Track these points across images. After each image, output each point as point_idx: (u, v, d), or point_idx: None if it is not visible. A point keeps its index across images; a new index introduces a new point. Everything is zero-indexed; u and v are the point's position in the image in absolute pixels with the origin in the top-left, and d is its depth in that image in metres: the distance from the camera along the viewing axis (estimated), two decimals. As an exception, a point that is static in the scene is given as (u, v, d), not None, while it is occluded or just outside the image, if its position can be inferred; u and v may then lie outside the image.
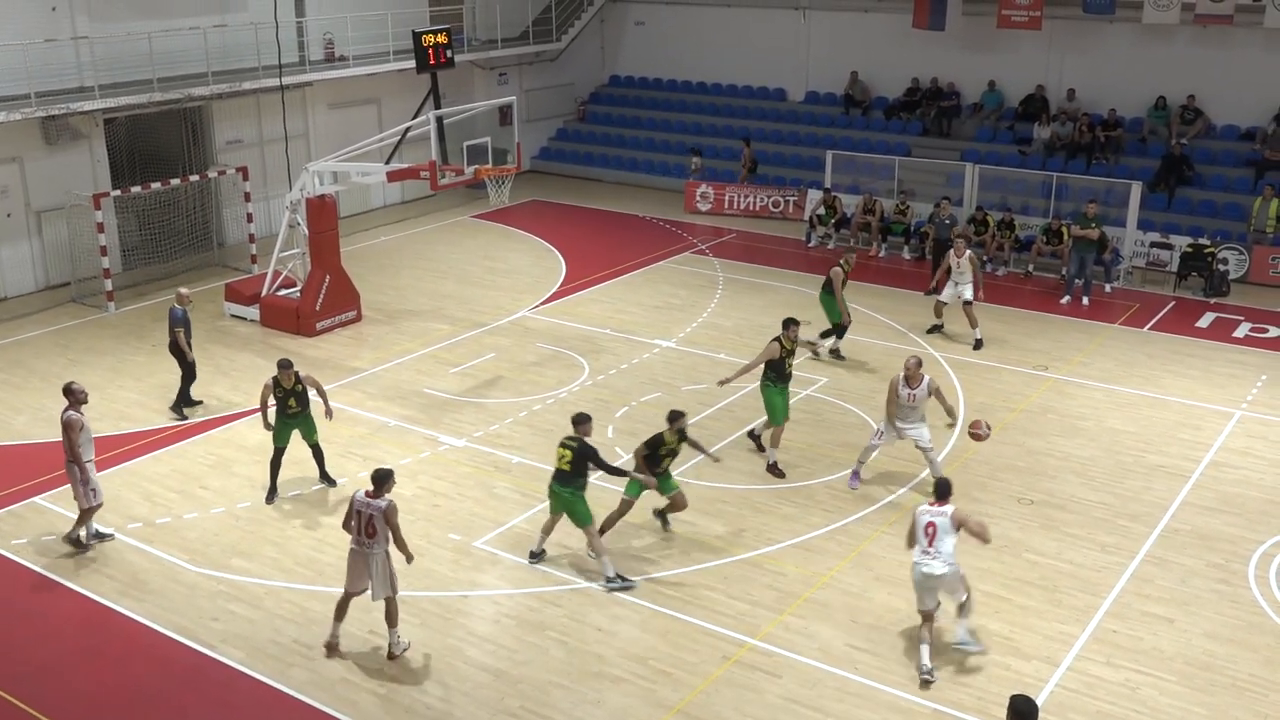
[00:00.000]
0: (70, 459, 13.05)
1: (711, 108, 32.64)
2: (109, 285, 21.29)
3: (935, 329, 20.10)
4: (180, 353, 16.80)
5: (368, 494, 11.16)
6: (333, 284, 20.30)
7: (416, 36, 19.77)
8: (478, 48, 30.19)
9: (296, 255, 21.03)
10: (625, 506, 13.20)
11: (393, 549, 11.24)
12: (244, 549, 13.31)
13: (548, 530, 13.05)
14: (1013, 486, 14.74)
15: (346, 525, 11.34)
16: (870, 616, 11.99)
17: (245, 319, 20.76)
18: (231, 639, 11.67)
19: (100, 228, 21.02)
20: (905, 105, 29.57)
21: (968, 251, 19.60)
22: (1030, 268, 23.44)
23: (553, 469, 12.74)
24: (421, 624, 11.87)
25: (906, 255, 24.90)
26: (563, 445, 12.60)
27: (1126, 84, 26.84)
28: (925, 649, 11.09)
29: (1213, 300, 22.05)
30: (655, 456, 13.08)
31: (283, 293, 20.69)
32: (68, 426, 12.93)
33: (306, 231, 20.34)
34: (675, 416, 13.13)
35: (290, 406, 14.23)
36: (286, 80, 23.60)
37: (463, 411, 16.98)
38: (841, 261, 19.16)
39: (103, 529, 13.53)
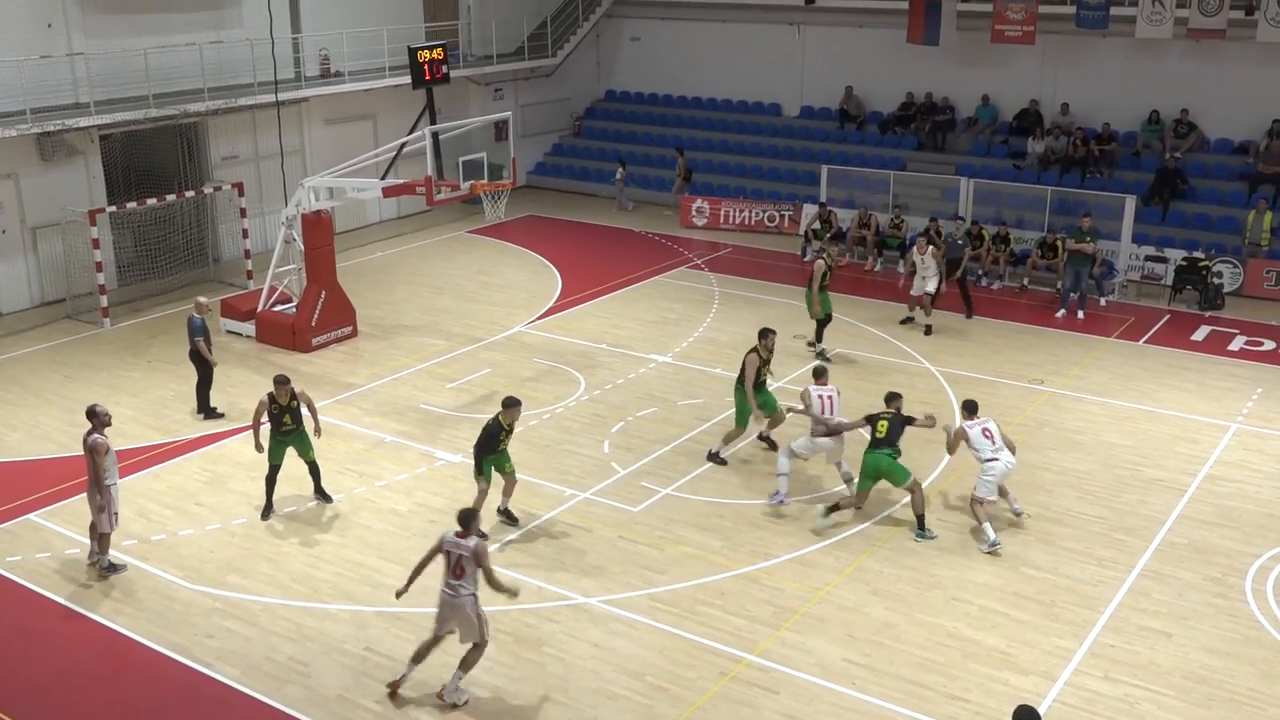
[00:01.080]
0: (93, 483, 12.77)
1: (707, 122, 32.72)
2: (104, 301, 21.27)
3: (928, 330, 20.89)
4: (201, 359, 17.01)
5: (456, 534, 10.67)
6: (328, 300, 20.29)
7: (412, 52, 19.79)
8: (473, 63, 30.26)
9: (292, 271, 21.03)
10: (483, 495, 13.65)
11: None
12: (239, 566, 13.27)
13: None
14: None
15: (423, 566, 10.88)
16: (867, 631, 11.96)
17: (241, 335, 20.74)
18: (227, 656, 11.62)
19: (95, 244, 21.01)
20: (900, 120, 29.66)
21: (930, 248, 20.89)
22: (1025, 281, 23.49)
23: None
24: (417, 640, 11.77)
25: (902, 269, 24.88)
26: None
27: (1120, 98, 26.95)
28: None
29: (1208, 314, 22.09)
30: (494, 442, 13.62)
31: (278, 308, 20.68)
32: (93, 450, 12.64)
33: (302, 247, 20.34)
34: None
35: (285, 424, 14.19)
36: (282, 96, 23.66)
37: (459, 427, 16.95)
38: (825, 255, 19.93)
39: (117, 561, 13.27)
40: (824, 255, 19.94)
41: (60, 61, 22.01)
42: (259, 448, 14.29)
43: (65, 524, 14.17)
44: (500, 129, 23.68)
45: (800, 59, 31.55)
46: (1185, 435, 16.69)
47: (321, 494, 14.81)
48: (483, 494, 13.65)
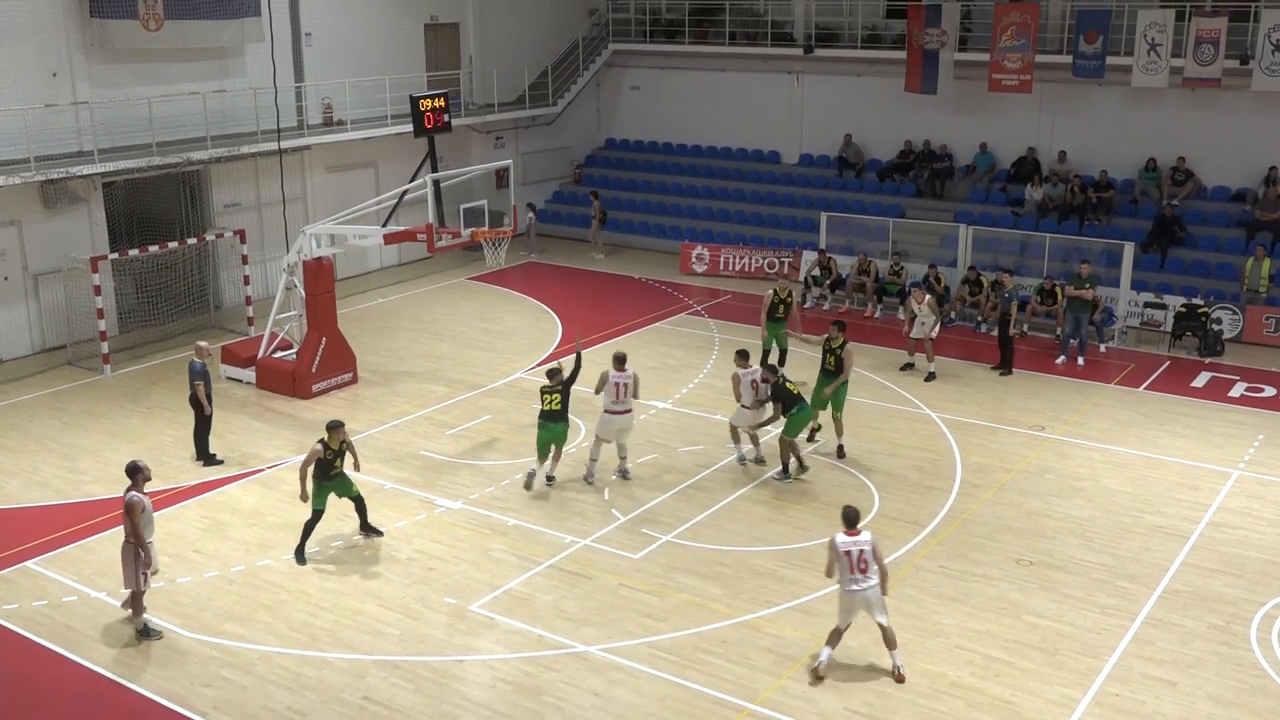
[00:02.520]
0: (130, 540, 12.49)
1: (707, 170, 32.94)
2: (105, 348, 21.29)
3: (931, 377, 20.86)
4: (199, 405, 16.92)
5: (847, 533, 11.62)
6: (329, 346, 20.31)
7: (414, 101, 19.96)
8: (475, 112, 30.52)
9: (293, 317, 21.07)
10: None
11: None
12: (238, 614, 13.17)
13: None
14: (1011, 547, 14.65)
15: (831, 571, 11.73)
16: (869, 680, 11.85)
17: (241, 381, 20.74)
18: (224, 705, 11.51)
19: (97, 290, 21.06)
20: (898, 167, 29.86)
21: (927, 297, 21.00)
22: (1025, 328, 23.52)
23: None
24: (416, 690, 11.72)
25: (901, 316, 24.96)
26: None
27: (1117, 146, 27.16)
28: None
29: (1208, 360, 22.10)
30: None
31: (279, 355, 20.70)
32: (130, 509, 12.37)
33: (303, 294, 20.39)
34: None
35: (335, 468, 14.24)
36: (285, 144, 23.82)
37: (459, 474, 16.91)
38: (775, 287, 20.42)
39: (152, 624, 12.91)
40: (774, 287, 20.40)
41: (65, 110, 22.19)
42: (305, 497, 14.21)
43: (62, 571, 14.10)
44: (501, 176, 23.85)
45: (799, 107, 31.82)
46: (1187, 482, 16.65)
47: (368, 528, 14.87)
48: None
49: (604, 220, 31.09)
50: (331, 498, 14.43)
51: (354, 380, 20.76)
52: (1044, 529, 15.17)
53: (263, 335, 20.96)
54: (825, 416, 17.72)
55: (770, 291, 20.39)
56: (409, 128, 22.88)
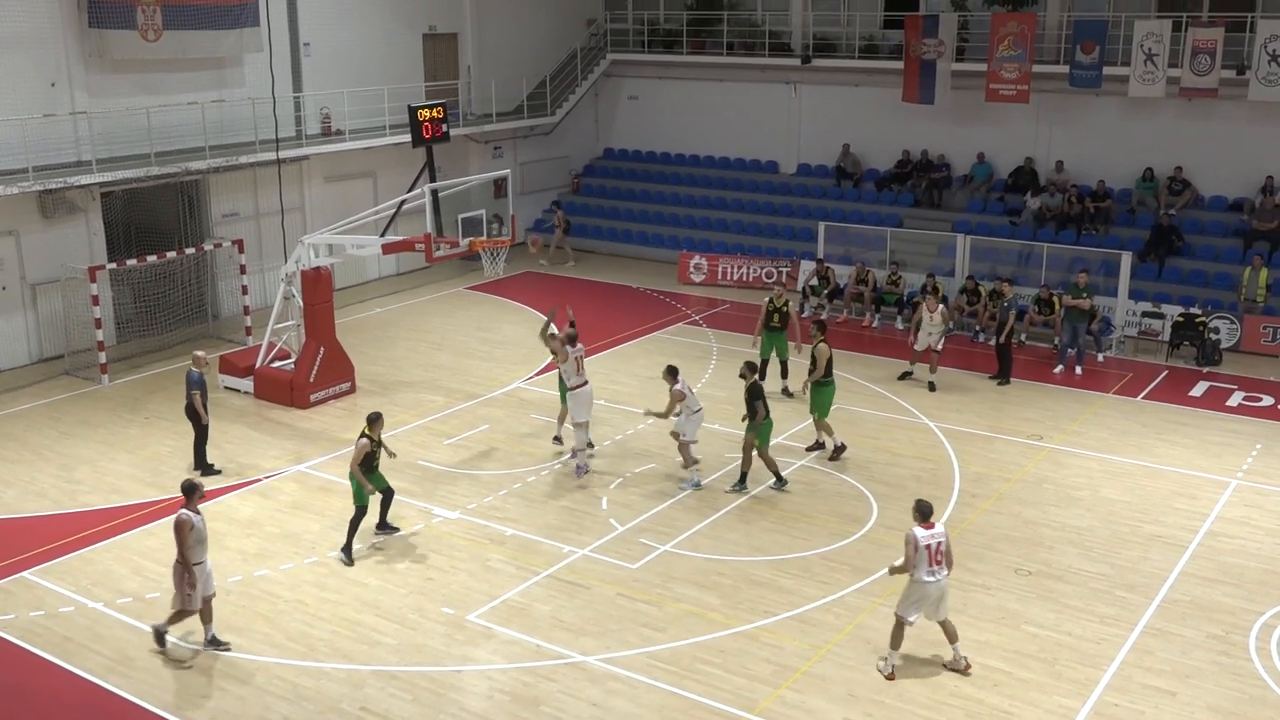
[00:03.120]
0: (178, 559, 12.33)
1: (704, 180, 32.99)
2: (103, 358, 21.27)
3: (932, 388, 20.75)
4: (196, 415, 16.86)
5: (924, 526, 11.76)
6: (327, 356, 20.30)
7: (412, 111, 19.97)
8: (473, 122, 30.56)
9: (291, 327, 21.06)
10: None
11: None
12: (235, 624, 13.14)
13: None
14: (1009, 557, 14.65)
15: (908, 566, 11.82)
16: (869, 690, 11.84)
17: (239, 391, 20.73)
18: (221, 716, 11.48)
19: (95, 300, 21.05)
20: (896, 177, 29.91)
21: (940, 307, 20.84)
22: (1023, 337, 23.52)
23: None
24: (414, 700, 11.70)
25: (899, 325, 25.00)
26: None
27: (1114, 156, 27.21)
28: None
29: (1205, 369, 22.11)
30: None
31: (277, 364, 20.69)
32: (179, 527, 12.18)
33: (301, 303, 20.39)
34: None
35: (376, 460, 14.60)
36: (283, 154, 23.84)
37: (457, 483, 16.90)
38: (771, 296, 20.38)
39: (220, 637, 12.71)
40: (770, 295, 20.40)
41: (63, 120, 22.21)
42: (372, 491, 14.54)
43: (59, 582, 14.07)
44: (499, 186, 23.84)
45: (797, 117, 31.88)
46: (1185, 491, 16.65)
47: (386, 525, 15.15)
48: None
49: (567, 229, 31.13)
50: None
51: (352, 390, 20.75)
52: (1042, 538, 15.16)
53: (261, 345, 20.95)
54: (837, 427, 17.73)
55: (766, 300, 20.40)
56: (407, 138, 22.90)
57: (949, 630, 12.13)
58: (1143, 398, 20.69)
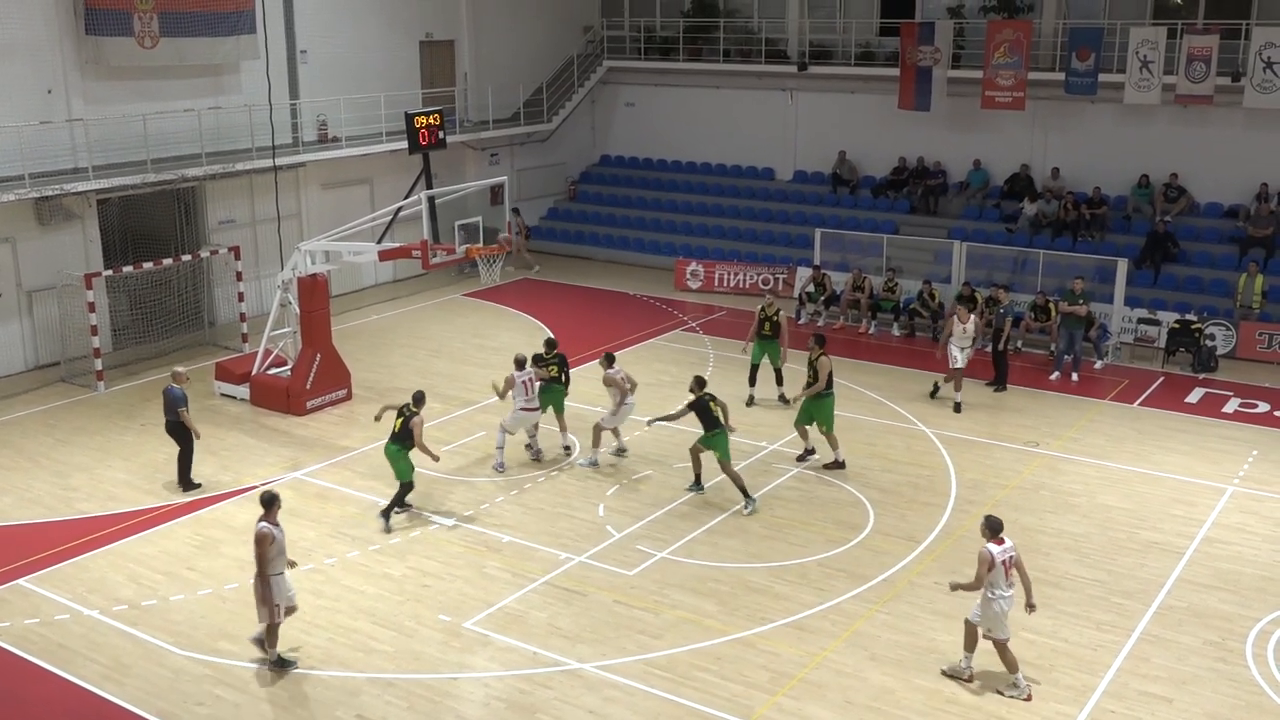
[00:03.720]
0: (257, 574, 12.13)
1: (701, 187, 33.02)
2: (99, 365, 21.25)
3: (958, 409, 20.10)
4: (184, 430, 16.60)
5: (995, 542, 11.76)
6: (324, 363, 20.29)
7: (409, 118, 20.04)
8: (469, 128, 30.59)
9: (288, 334, 21.05)
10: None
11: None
12: (231, 631, 13.11)
13: None
14: (1007, 564, 14.63)
15: (981, 583, 11.76)
16: (865, 697, 11.83)
17: (235, 398, 20.71)
18: (216, 724, 11.47)
19: (91, 307, 21.03)
20: (892, 184, 29.95)
21: (972, 316, 20.16)
22: (1019, 344, 23.54)
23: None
24: (409, 707, 11.68)
25: (896, 332, 25.03)
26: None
27: (1110, 162, 27.26)
28: None
29: (1201, 376, 22.13)
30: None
31: (273, 371, 20.67)
32: (260, 540, 11.96)
33: (298, 310, 20.38)
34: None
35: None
36: (280, 161, 23.83)
37: (453, 490, 16.89)
38: (763, 304, 20.38)
39: (286, 656, 12.51)
40: (762, 304, 20.40)
41: (60, 127, 22.20)
42: (437, 457, 15.58)
43: (55, 589, 14.04)
44: (496, 193, 23.85)
45: (793, 124, 31.92)
46: (1182, 498, 16.66)
47: (390, 513, 15.73)
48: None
49: (528, 236, 31.28)
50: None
51: (348, 397, 20.73)
52: (1039, 545, 15.15)
53: (257, 352, 20.93)
54: (819, 436, 17.72)
55: (759, 308, 20.42)
56: (404, 144, 22.96)
57: (973, 638, 12.06)
58: (1139, 404, 20.70)
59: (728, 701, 11.75)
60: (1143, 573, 14.44)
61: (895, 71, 28.55)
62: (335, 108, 26.94)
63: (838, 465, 17.51)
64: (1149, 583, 14.18)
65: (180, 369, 17.10)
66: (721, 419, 16.14)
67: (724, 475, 16.23)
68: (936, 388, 20.76)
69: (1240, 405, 20.57)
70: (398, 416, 15.52)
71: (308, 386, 20.05)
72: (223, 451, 18.32)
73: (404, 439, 15.37)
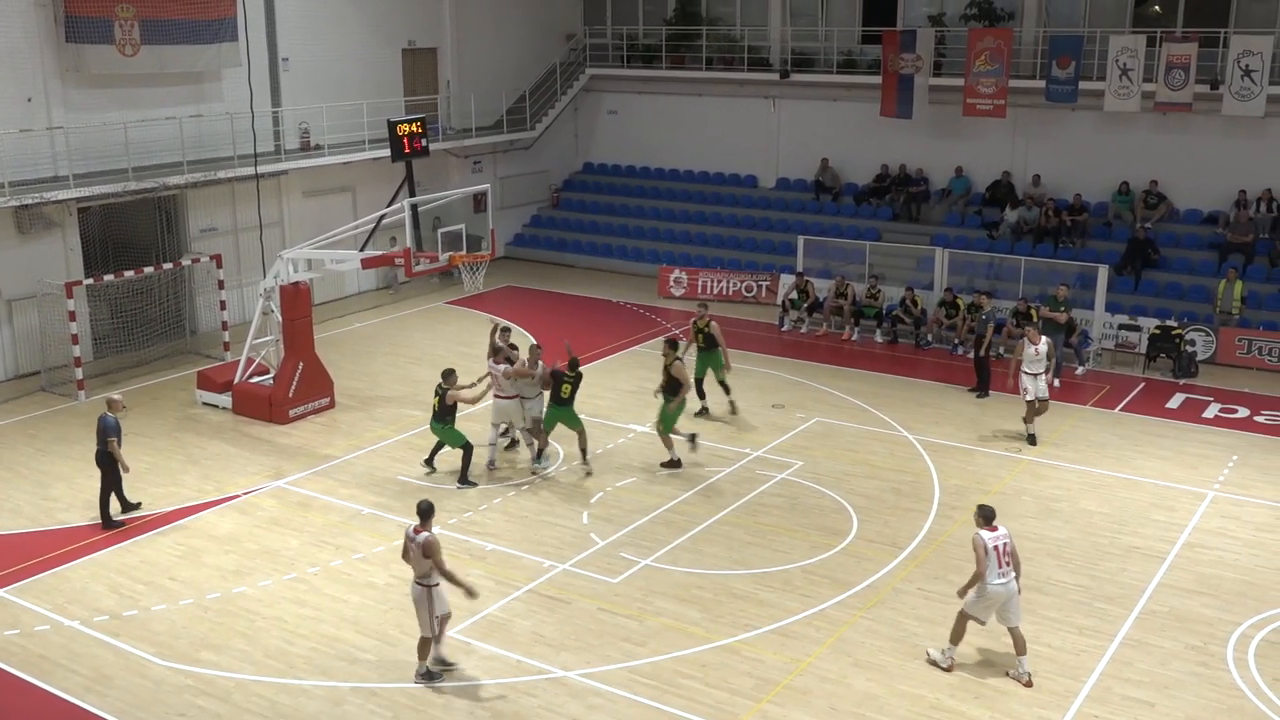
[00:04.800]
0: (424, 581, 11.99)
1: (684, 194, 33.08)
2: (80, 374, 21.13)
3: (1032, 441, 18.87)
4: (111, 462, 15.71)
5: (988, 529, 12.01)
6: (306, 371, 20.23)
7: (391, 125, 20.03)
8: (452, 136, 30.58)
9: (270, 342, 20.99)
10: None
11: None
12: (213, 641, 13.06)
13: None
14: (990, 569, 14.68)
15: (982, 571, 11.91)
16: (849, 704, 11.85)
17: (217, 407, 20.63)
18: (198, 735, 11.41)
19: (72, 316, 20.91)
20: (875, 191, 30.06)
21: (1043, 339, 18.91)
22: (1001, 350, 23.60)
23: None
24: (394, 717, 11.65)
25: (878, 338, 25.11)
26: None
27: (1090, 170, 27.43)
28: None
29: (1182, 381, 22.27)
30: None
31: (256, 380, 20.60)
32: (434, 548, 11.84)
33: (280, 318, 20.32)
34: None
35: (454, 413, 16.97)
36: (262, 169, 23.76)
37: (436, 499, 16.75)
38: (696, 318, 20.22)
39: (434, 668, 12.29)
40: (695, 319, 20.26)
41: (40, 135, 22.11)
42: (474, 400, 17.18)
43: (35, 600, 13.96)
44: (479, 201, 23.84)
45: (776, 132, 32.01)
46: (1163, 503, 16.75)
47: (465, 480, 17.17)
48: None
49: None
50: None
51: (331, 405, 20.68)
52: (1021, 550, 15.07)
53: (239, 360, 20.86)
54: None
55: (691, 323, 20.09)
56: (387, 152, 22.97)
57: (1017, 640, 12.23)
58: (1120, 410, 20.81)
59: (712, 709, 11.75)
60: (1124, 577, 14.51)
61: (877, 79, 28.68)
62: (317, 115, 26.90)
63: (674, 464, 17.81)
64: (1131, 587, 14.26)
65: (116, 396, 16.45)
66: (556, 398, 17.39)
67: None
68: (1033, 438, 18.98)
69: (1220, 410, 20.70)
70: (434, 397, 16.85)
71: (290, 395, 19.98)
72: (205, 460, 18.25)
73: (444, 415, 16.77)
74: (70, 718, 11.73)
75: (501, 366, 17.40)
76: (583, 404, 20.13)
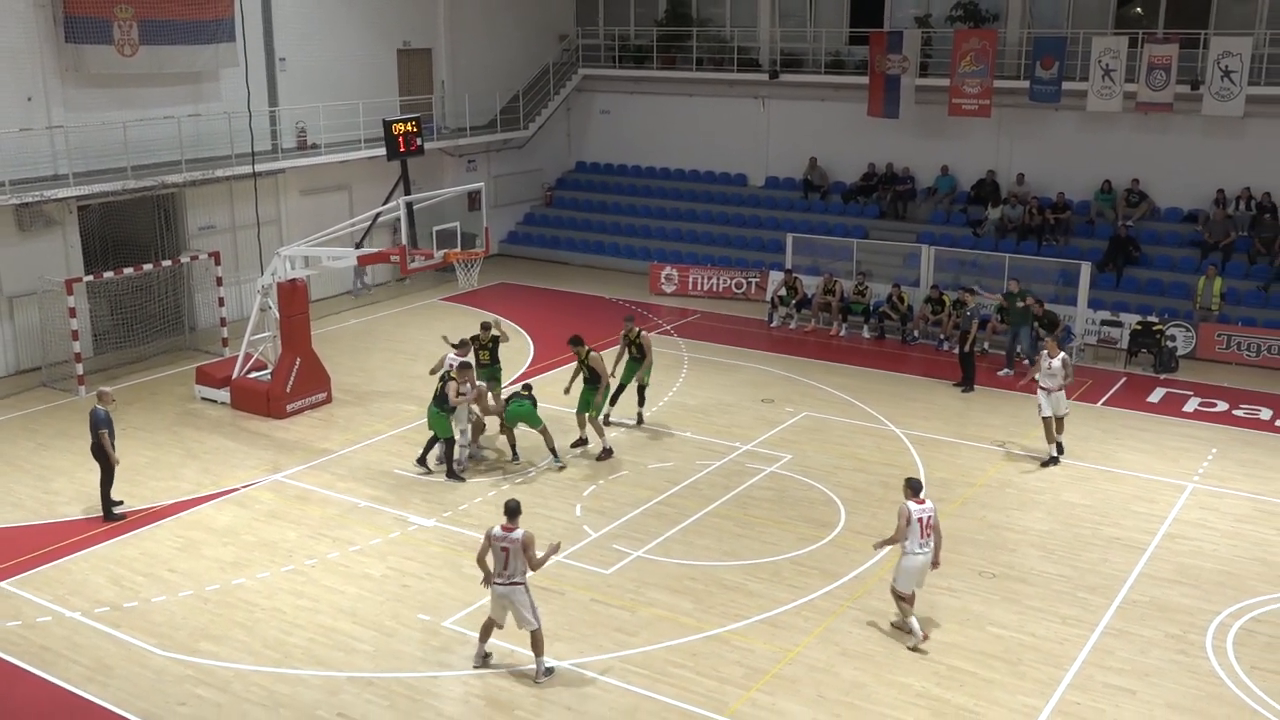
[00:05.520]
0: (521, 578, 12.05)
1: (675, 193, 33.33)
2: (80, 369, 21.34)
3: (1054, 460, 18.20)
4: (104, 455, 15.92)
5: (916, 501, 12.66)
6: (303, 367, 20.46)
7: (387, 125, 20.21)
8: (447, 135, 30.78)
9: (268, 338, 21.22)
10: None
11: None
12: (212, 632, 13.29)
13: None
14: (973, 560, 14.99)
15: (899, 538, 12.69)
16: (837, 692, 12.11)
17: (216, 402, 20.85)
18: (201, 722, 11.64)
19: (72, 312, 21.12)
20: (862, 189, 30.35)
21: (1061, 353, 18.23)
22: (985, 345, 23.88)
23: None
24: (390, 706, 11.88)
25: (866, 334, 25.42)
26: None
27: (1073, 168, 27.74)
28: None
29: (1163, 376, 22.60)
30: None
31: (253, 375, 20.84)
32: (527, 545, 11.90)
33: (278, 315, 20.55)
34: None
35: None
36: (259, 168, 23.97)
37: (432, 491, 17.11)
38: (626, 329, 19.64)
39: (549, 662, 12.41)
40: (625, 330, 19.60)
41: (40, 134, 22.29)
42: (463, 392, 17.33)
43: (36, 592, 14.16)
44: (473, 199, 24.01)
45: (765, 131, 32.27)
46: (1144, 495, 17.07)
47: (424, 462, 17.69)
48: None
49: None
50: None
51: (328, 400, 20.92)
52: (1005, 542, 15.53)
53: (237, 356, 21.09)
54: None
55: (621, 334, 19.69)
56: (382, 151, 23.16)
57: (912, 601, 12.97)
58: (1102, 404, 21.14)
59: (703, 697, 12.01)
60: (1106, 568, 14.81)
61: (865, 80, 28.93)
62: (314, 115, 27.11)
63: (607, 454, 18.27)
64: (1112, 578, 14.55)
65: (106, 389, 16.52)
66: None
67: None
68: (1057, 454, 18.33)
69: (1200, 404, 21.04)
70: (440, 381, 17.30)
71: (288, 390, 20.22)
72: (203, 455, 18.48)
73: (443, 400, 17.03)
74: (72, 707, 11.94)
75: (455, 358, 18.09)
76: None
